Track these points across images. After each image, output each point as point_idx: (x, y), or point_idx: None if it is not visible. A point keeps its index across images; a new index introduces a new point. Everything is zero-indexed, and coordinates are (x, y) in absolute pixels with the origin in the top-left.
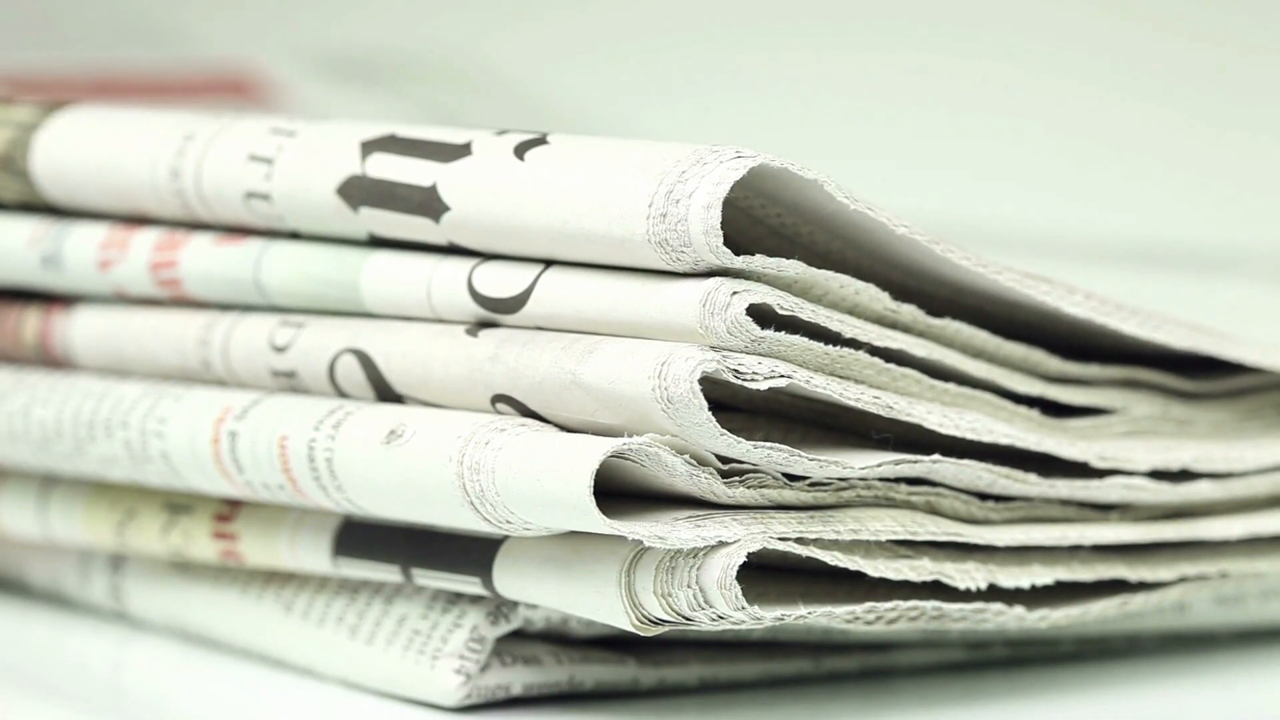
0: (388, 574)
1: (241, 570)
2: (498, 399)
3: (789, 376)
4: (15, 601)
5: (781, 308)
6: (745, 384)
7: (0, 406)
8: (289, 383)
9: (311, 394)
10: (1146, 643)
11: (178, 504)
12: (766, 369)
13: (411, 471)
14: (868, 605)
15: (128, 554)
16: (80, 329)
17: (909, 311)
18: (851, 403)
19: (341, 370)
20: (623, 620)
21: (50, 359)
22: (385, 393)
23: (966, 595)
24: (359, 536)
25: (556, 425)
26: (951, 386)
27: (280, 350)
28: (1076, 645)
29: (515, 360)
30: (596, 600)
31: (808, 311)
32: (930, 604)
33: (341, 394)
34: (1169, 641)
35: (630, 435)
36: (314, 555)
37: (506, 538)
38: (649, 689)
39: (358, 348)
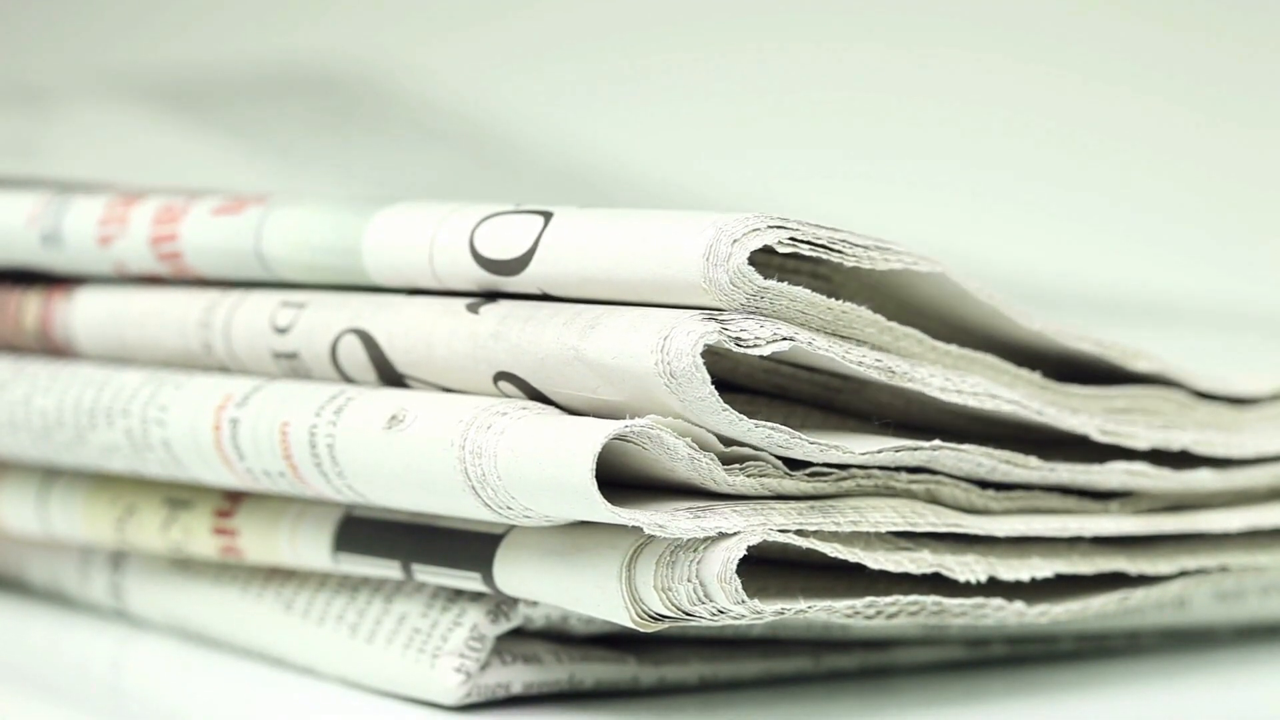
0: (388, 570)
1: (241, 568)
2: (500, 376)
3: (791, 339)
4: (15, 601)
5: (782, 243)
6: (748, 351)
7: (1, 396)
8: (290, 365)
9: (313, 377)
10: (1146, 640)
11: (178, 500)
12: (769, 332)
13: (413, 456)
14: (868, 600)
15: (128, 550)
16: (81, 314)
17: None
18: (854, 366)
19: (344, 351)
20: (623, 616)
21: (51, 345)
22: (387, 373)
23: (967, 590)
24: (359, 532)
25: (558, 404)
26: (954, 348)
27: (282, 331)
28: (1076, 643)
29: (518, 337)
30: (597, 595)
31: (808, 234)
32: (930, 598)
33: (343, 375)
34: (1169, 639)
35: (633, 414)
36: (314, 551)
37: (507, 533)
38: (649, 687)
39: (360, 328)
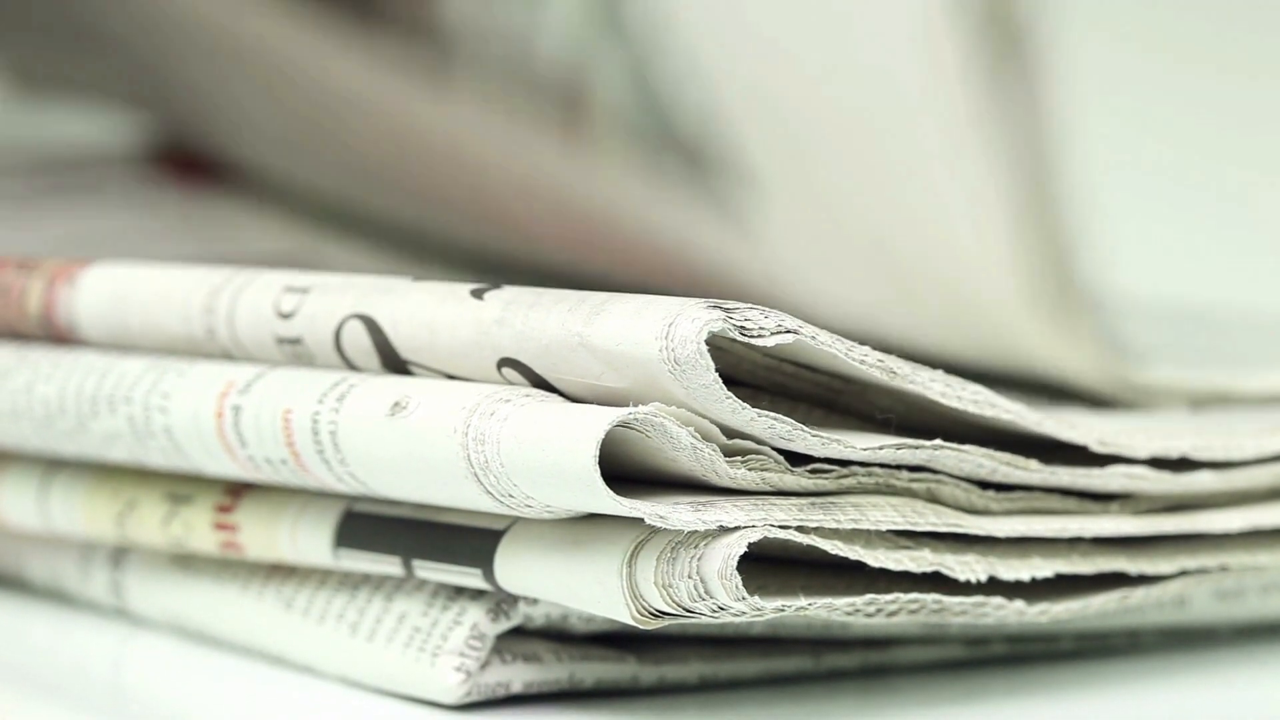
0: (389, 566)
1: (242, 565)
2: (504, 363)
3: (795, 332)
4: (15, 600)
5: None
6: (752, 341)
7: (2, 384)
8: (294, 350)
9: (316, 364)
10: (1146, 639)
11: (179, 495)
12: (773, 324)
13: (416, 443)
14: (868, 597)
15: (128, 545)
16: (85, 298)
17: None
18: (856, 364)
19: (348, 336)
20: (623, 612)
21: (55, 330)
22: (391, 359)
23: (967, 588)
24: (360, 527)
25: (562, 391)
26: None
27: (286, 317)
28: (1076, 642)
29: (522, 323)
30: (598, 591)
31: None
32: (930, 597)
33: (347, 361)
34: (1169, 638)
35: (637, 402)
36: (315, 546)
37: (508, 529)
38: (649, 686)
39: (364, 313)
